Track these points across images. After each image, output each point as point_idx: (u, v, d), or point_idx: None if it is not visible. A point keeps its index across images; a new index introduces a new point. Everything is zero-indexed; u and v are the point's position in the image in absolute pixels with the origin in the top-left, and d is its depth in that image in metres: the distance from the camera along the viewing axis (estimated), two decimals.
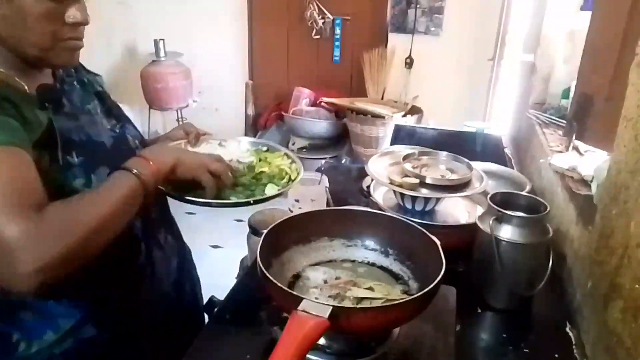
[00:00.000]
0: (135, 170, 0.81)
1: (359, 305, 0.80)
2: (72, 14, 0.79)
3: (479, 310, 1.06)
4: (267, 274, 0.77)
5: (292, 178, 1.07)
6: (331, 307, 0.69)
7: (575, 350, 0.96)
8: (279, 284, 0.76)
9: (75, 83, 0.95)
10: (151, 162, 0.84)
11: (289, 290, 0.77)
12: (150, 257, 1.00)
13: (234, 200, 0.98)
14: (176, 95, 3.81)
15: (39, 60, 0.82)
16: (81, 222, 0.71)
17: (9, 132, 0.72)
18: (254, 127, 4.24)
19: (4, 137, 0.70)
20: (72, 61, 0.87)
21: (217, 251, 3.13)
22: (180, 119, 3.98)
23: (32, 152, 0.74)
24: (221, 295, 1.06)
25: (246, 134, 4.20)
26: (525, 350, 0.95)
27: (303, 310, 0.69)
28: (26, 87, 0.81)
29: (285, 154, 1.17)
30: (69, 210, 0.72)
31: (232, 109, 4.22)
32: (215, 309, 1.00)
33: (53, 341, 0.86)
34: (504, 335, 1.00)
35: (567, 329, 1.01)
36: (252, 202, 0.97)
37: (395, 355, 0.83)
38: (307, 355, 0.76)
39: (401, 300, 0.78)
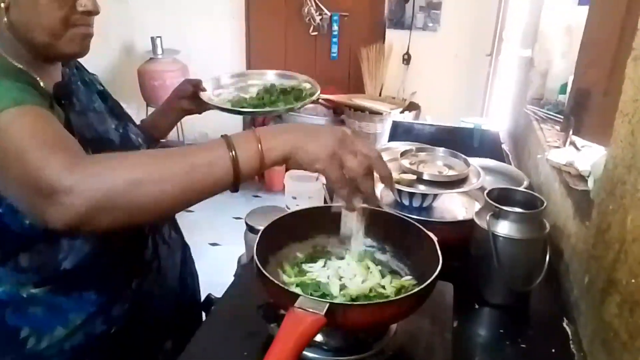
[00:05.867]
0: (233, 151, 0.68)
1: (355, 302, 0.80)
2: (83, 2, 0.80)
3: (476, 306, 1.06)
4: (264, 271, 0.77)
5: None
6: (328, 304, 0.69)
7: (572, 345, 0.96)
8: (275, 281, 0.75)
9: (79, 83, 0.95)
10: (260, 143, 0.70)
11: (285, 287, 0.76)
12: (157, 252, 1.01)
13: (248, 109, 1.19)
14: None
15: (50, 48, 0.80)
16: (128, 167, 0.66)
17: (38, 98, 0.74)
18: (251, 124, 4.23)
19: (35, 99, 0.72)
20: (82, 50, 0.84)
21: (215, 249, 3.13)
22: None
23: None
24: (219, 293, 1.05)
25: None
26: (523, 345, 0.95)
27: (299, 307, 0.69)
28: (41, 82, 0.82)
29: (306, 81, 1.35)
30: (115, 156, 0.69)
31: None
32: (212, 307, 1.00)
33: (63, 336, 0.86)
34: (501, 331, 1.00)
35: (564, 324, 1.01)
36: (259, 112, 1.18)
37: (392, 352, 0.83)
38: (304, 352, 0.76)
39: (398, 297, 0.77)
